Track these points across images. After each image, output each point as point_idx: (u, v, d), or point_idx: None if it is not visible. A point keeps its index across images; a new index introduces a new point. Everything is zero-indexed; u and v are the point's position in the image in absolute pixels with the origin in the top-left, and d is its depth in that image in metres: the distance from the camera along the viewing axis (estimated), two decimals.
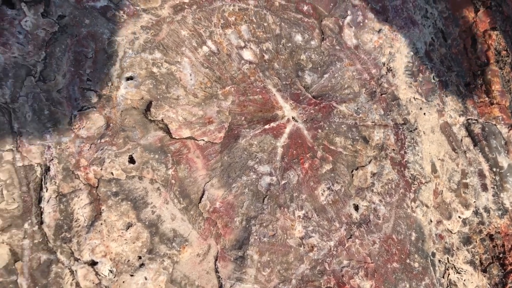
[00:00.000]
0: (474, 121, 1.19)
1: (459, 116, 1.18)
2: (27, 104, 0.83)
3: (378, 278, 0.95)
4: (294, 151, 0.96)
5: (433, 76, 1.19)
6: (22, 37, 0.85)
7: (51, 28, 0.88)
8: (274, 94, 0.99)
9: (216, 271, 0.86)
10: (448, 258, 1.04)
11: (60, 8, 0.89)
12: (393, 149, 1.06)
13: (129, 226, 0.82)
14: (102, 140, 0.85)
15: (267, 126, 0.95)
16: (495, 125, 1.21)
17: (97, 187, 0.83)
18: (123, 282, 0.79)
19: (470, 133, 1.18)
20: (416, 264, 1.00)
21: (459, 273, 1.05)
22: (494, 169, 1.16)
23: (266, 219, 0.90)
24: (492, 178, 1.15)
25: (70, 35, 0.88)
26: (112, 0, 0.92)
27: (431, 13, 1.26)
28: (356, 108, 1.06)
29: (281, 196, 0.92)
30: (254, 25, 1.01)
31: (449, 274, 1.03)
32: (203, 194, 0.89)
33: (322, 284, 0.90)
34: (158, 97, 0.90)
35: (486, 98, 1.23)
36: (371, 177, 1.01)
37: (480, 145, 1.17)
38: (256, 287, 0.86)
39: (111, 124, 0.86)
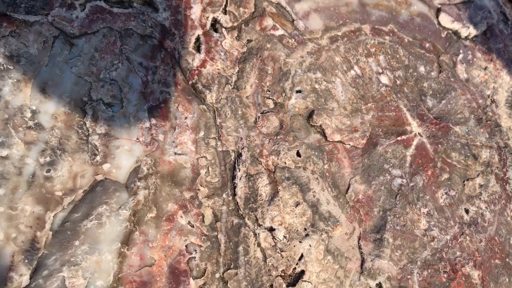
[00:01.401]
0: None
1: None
2: (226, 105, 1.09)
3: (484, 270, 1.15)
4: (420, 160, 1.19)
5: None
6: (223, 54, 1.12)
7: (241, 48, 1.14)
8: (405, 113, 1.22)
9: (359, 248, 1.08)
10: None
11: (248, 34, 1.16)
12: (497, 167, 1.26)
13: (297, 204, 1.06)
14: (278, 137, 1.10)
15: (399, 138, 1.18)
16: None
17: (274, 172, 1.07)
18: (294, 246, 1.03)
19: None
20: None
21: None
22: None
23: (398, 212, 1.12)
24: None
25: (255, 55, 1.15)
26: (287, 30, 1.19)
27: None
28: (467, 130, 1.27)
29: (410, 195, 1.15)
30: (389, 56, 1.26)
31: None
32: (349, 187, 1.12)
33: (440, 268, 1.11)
34: (319, 107, 1.14)
35: None
36: (479, 188, 1.22)
37: None
38: (391, 263, 1.08)
39: (283, 125, 1.11)
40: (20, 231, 0.87)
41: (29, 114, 0.93)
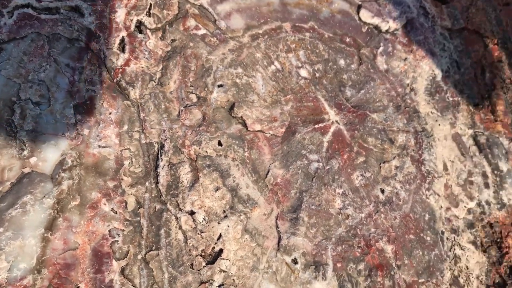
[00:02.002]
0: (480, 133, 1.48)
1: (468, 129, 1.48)
2: (150, 100, 1.18)
3: (397, 244, 1.24)
4: (336, 146, 1.28)
5: (448, 96, 1.49)
6: (147, 54, 1.21)
7: (166, 48, 1.23)
8: (323, 103, 1.31)
9: (277, 227, 1.17)
10: (454, 237, 1.32)
11: (172, 34, 1.25)
12: (413, 149, 1.36)
13: (217, 189, 1.15)
14: (200, 128, 1.19)
15: (316, 126, 1.27)
16: (498, 137, 1.49)
17: (196, 160, 1.16)
18: (212, 227, 1.11)
19: (476, 143, 1.47)
20: (428, 238, 1.28)
21: (463, 250, 1.32)
22: (496, 172, 1.44)
23: (314, 193, 1.21)
24: (494, 179, 1.43)
25: (179, 53, 1.23)
26: (209, 30, 1.28)
27: (447, 46, 1.57)
28: (385, 117, 1.37)
29: (325, 177, 1.24)
30: (309, 51, 1.35)
31: (454, 249, 1.31)
32: (268, 172, 1.21)
33: (355, 244, 1.20)
34: (239, 100, 1.23)
35: (492, 116, 1.52)
36: (394, 169, 1.31)
37: (485, 152, 1.46)
38: (306, 240, 1.16)
39: (206, 117, 1.20)
40: None
41: None
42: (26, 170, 1.04)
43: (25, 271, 0.97)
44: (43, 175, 1.05)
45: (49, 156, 1.06)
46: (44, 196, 1.02)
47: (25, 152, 1.05)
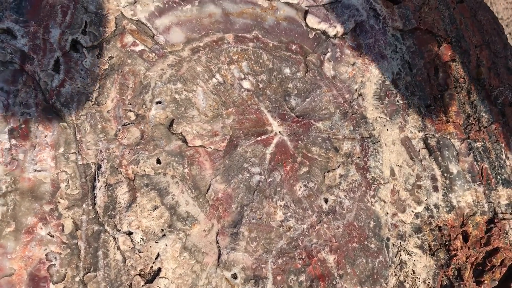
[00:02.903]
0: (431, 136, 1.48)
1: (418, 132, 1.48)
2: (86, 121, 1.18)
3: (340, 254, 1.25)
4: (279, 157, 1.28)
5: (397, 100, 1.49)
6: (83, 73, 1.21)
7: (103, 66, 1.23)
8: (266, 114, 1.31)
9: (217, 243, 1.18)
10: (400, 242, 1.33)
11: (109, 51, 1.24)
12: (358, 157, 1.36)
13: (155, 208, 1.15)
14: (138, 147, 1.19)
15: (259, 138, 1.28)
16: (449, 139, 1.49)
17: (133, 180, 1.17)
18: (150, 246, 1.13)
19: (427, 145, 1.47)
20: (373, 245, 1.29)
21: (410, 255, 1.34)
22: (445, 174, 1.45)
23: (255, 206, 1.22)
24: (443, 181, 1.44)
25: (116, 71, 1.23)
26: (147, 45, 1.27)
27: (399, 48, 1.56)
28: (330, 125, 1.37)
29: (267, 190, 1.24)
30: (252, 62, 1.34)
31: (400, 255, 1.32)
32: (209, 187, 1.21)
33: (296, 255, 1.21)
34: (179, 116, 1.23)
35: (444, 117, 1.52)
36: (339, 178, 1.32)
37: (435, 155, 1.46)
38: (246, 254, 1.18)
39: (144, 135, 1.20)
40: None
41: None
42: None
43: None
44: None
45: None
46: None
47: None
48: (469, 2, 1.67)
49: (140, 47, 1.26)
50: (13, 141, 1.11)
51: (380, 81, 1.49)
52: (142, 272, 1.11)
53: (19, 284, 1.03)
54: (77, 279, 1.08)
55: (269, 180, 1.25)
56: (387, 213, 1.34)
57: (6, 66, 1.16)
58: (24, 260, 1.05)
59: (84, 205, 1.13)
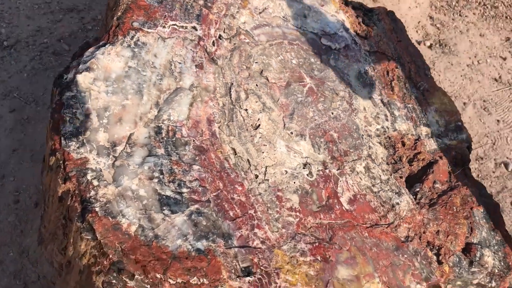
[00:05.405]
0: (385, 100, 2.92)
1: (379, 97, 2.92)
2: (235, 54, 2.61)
3: (339, 134, 2.60)
4: (309, 92, 2.69)
5: (367, 80, 2.95)
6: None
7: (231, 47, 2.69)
8: (304, 74, 2.76)
9: (282, 119, 2.55)
10: (369, 138, 2.69)
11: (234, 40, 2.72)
12: (347, 100, 2.78)
13: (256, 102, 2.54)
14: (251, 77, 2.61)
15: (300, 83, 2.71)
16: (395, 102, 2.93)
17: (247, 91, 2.56)
18: (256, 115, 2.49)
19: (382, 102, 2.90)
20: (355, 135, 2.65)
21: (373, 145, 2.69)
22: (392, 115, 2.85)
23: (300, 109, 2.60)
24: (391, 118, 2.84)
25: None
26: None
27: (367, 59, 3.07)
28: (334, 86, 2.80)
29: (305, 103, 2.64)
30: (295, 53, 2.83)
31: (369, 143, 2.67)
32: (278, 99, 2.61)
33: (319, 131, 2.57)
34: (265, 68, 2.67)
35: (392, 93, 2.98)
36: (338, 104, 2.72)
37: (386, 106, 2.88)
38: (296, 126, 2.53)
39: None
40: None
41: None
42: None
43: None
44: None
45: None
46: None
47: None
48: (404, 41, 3.24)
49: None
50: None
51: (357, 72, 2.97)
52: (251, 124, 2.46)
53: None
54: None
55: (306, 99, 2.65)
56: (363, 125, 2.72)
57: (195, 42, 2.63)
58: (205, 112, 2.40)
59: (227, 97, 2.50)
